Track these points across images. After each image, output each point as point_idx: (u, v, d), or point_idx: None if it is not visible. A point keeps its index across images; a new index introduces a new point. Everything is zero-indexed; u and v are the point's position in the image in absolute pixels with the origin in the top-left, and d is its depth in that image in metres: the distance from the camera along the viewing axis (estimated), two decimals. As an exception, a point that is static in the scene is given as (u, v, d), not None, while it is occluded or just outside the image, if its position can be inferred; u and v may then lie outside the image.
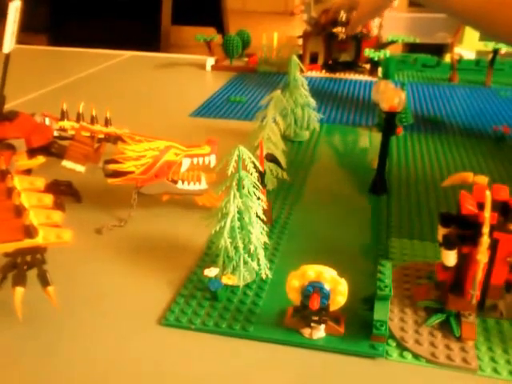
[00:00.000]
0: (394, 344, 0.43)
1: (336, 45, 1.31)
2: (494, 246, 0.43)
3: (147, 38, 3.10)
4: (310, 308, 0.42)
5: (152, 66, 1.39)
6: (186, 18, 3.74)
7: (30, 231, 0.41)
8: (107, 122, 0.70)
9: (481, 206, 0.42)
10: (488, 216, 0.40)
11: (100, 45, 1.58)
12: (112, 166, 0.60)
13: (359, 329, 0.44)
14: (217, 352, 0.43)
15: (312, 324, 0.43)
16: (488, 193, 0.41)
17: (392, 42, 1.30)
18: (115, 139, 0.66)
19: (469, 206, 0.42)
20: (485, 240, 0.41)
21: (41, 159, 0.60)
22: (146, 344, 0.44)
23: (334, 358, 0.43)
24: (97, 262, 0.55)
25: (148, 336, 0.45)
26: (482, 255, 0.41)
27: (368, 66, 1.31)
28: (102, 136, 0.67)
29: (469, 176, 0.45)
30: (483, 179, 0.45)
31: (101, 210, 0.64)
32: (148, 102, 1.09)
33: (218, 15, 3.96)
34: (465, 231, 0.43)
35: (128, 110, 1.02)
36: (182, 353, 0.43)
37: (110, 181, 0.60)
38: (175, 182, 0.62)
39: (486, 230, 0.41)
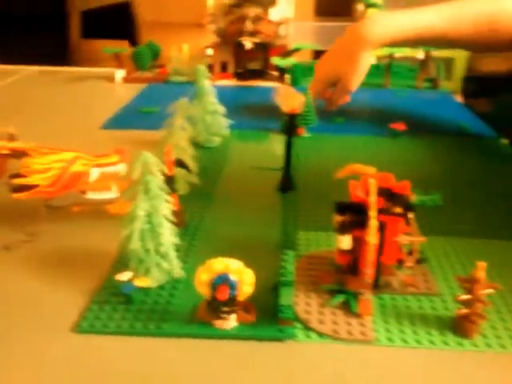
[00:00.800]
0: (300, 326, 0.47)
1: (244, 54, 1.35)
2: (382, 229, 0.48)
3: (56, 52, 3.01)
4: (219, 300, 0.44)
5: (61, 80, 1.36)
6: (98, 32, 3.67)
7: None
8: (12, 138, 0.69)
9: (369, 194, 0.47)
10: (374, 201, 0.45)
11: (5, 60, 1.52)
12: (17, 181, 0.59)
13: (268, 315, 0.47)
14: (132, 352, 0.44)
15: (223, 315, 0.45)
16: (372, 180, 0.45)
17: (297, 50, 1.37)
18: (21, 154, 0.65)
19: (357, 194, 0.47)
20: (373, 223, 0.45)
21: None
22: (61, 352, 0.44)
23: (246, 345, 0.45)
24: (7, 278, 0.54)
25: (62, 344, 0.45)
26: (372, 237, 0.45)
27: (276, 73, 1.36)
28: (6, 152, 0.66)
29: (358, 167, 0.50)
30: (371, 169, 0.49)
31: (9, 226, 0.63)
32: (58, 117, 1.07)
33: (130, 28, 3.93)
34: (356, 217, 0.47)
35: (36, 125, 1.00)
36: (98, 357, 0.44)
37: (16, 195, 0.59)
38: (85, 192, 0.62)
39: (373, 213, 0.45)
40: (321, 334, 0.46)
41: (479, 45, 0.90)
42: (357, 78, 0.95)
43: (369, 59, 0.94)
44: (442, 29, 0.87)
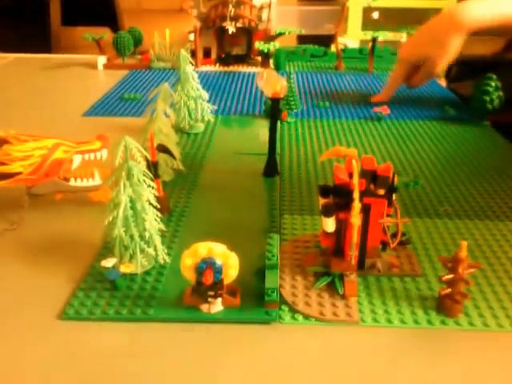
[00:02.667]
0: (286, 309, 0.47)
1: (227, 39, 1.34)
2: (366, 211, 0.48)
3: (37, 39, 2.95)
4: (204, 284, 0.44)
5: (42, 67, 1.34)
6: (79, 18, 3.61)
7: None
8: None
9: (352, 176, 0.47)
10: (356, 183, 0.45)
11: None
12: (-2, 169, 0.58)
13: (255, 299, 0.47)
14: (119, 338, 0.44)
15: (209, 299, 0.45)
16: (354, 162, 0.45)
17: (280, 35, 1.36)
18: (1, 142, 0.64)
19: (340, 176, 0.47)
20: (356, 205, 0.45)
21: None
22: (47, 340, 0.44)
23: (232, 328, 0.45)
24: (-11, 267, 0.53)
25: (48, 332, 0.45)
26: (355, 218, 0.46)
27: (260, 58, 1.35)
28: (-15, 140, 0.65)
29: (340, 149, 0.50)
30: (353, 151, 0.49)
31: (-10, 215, 0.62)
32: (38, 105, 1.05)
33: (111, 14, 3.87)
34: (340, 199, 0.47)
35: (17, 112, 0.99)
36: (85, 344, 0.44)
37: (-3, 184, 0.58)
38: (67, 179, 0.61)
39: (356, 195, 0.45)
40: (307, 316, 0.46)
41: None
42: (445, 62, 0.93)
43: (459, 44, 0.91)
44: None
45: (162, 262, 0.52)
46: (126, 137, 0.47)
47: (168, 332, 0.45)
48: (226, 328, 0.45)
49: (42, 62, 1.40)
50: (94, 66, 1.31)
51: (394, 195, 0.49)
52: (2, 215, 0.62)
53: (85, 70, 1.31)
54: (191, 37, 1.33)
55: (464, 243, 0.45)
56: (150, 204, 0.50)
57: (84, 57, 1.42)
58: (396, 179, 0.49)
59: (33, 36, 2.97)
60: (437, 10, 2.15)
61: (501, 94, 0.92)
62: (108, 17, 3.83)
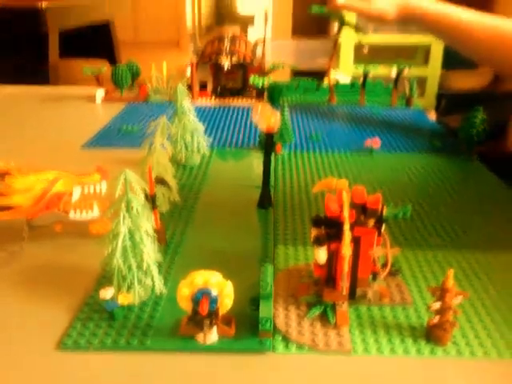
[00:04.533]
0: (279, 338, 0.48)
1: (223, 73, 1.38)
2: (357, 241, 0.50)
3: (36, 71, 3.00)
4: (200, 313, 0.45)
5: (41, 99, 1.37)
6: (77, 51, 3.68)
7: None
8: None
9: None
10: (346, 214, 0.47)
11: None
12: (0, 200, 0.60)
13: (249, 328, 0.48)
14: (116, 368, 0.45)
15: (204, 329, 0.46)
16: (345, 194, 0.47)
17: (274, 69, 1.40)
18: (2, 174, 0.66)
19: (331, 207, 0.49)
20: (346, 235, 0.47)
21: None
22: (46, 370, 0.45)
23: (228, 358, 0.46)
24: (-11, 297, 0.54)
25: (47, 362, 0.46)
26: (346, 249, 0.47)
27: (254, 92, 1.39)
28: (-13, 172, 0.66)
29: (332, 181, 0.52)
30: (344, 183, 0.51)
31: (-10, 246, 0.63)
32: (38, 136, 1.08)
33: (109, 47, 3.95)
34: (331, 230, 0.49)
35: (17, 144, 1.01)
36: (82, 374, 0.45)
37: (-2, 215, 0.60)
38: (67, 211, 0.63)
39: (346, 226, 0.47)
40: (300, 346, 0.47)
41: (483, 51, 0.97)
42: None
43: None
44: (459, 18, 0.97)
45: (158, 292, 0.53)
46: (127, 170, 0.49)
47: (164, 362, 0.46)
48: (221, 357, 0.47)
49: (41, 93, 1.43)
50: (92, 98, 1.34)
51: (383, 226, 0.51)
52: (2, 246, 0.63)
53: (83, 103, 1.33)
54: (188, 71, 1.37)
55: (451, 272, 0.47)
56: (148, 235, 0.51)
57: (82, 89, 1.45)
58: (385, 210, 0.51)
59: (31, 68, 3.02)
60: (425, 46, 2.23)
61: (486, 126, 0.95)
62: (105, 49, 3.90)
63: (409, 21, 1.08)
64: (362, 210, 0.50)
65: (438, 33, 1.06)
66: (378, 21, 1.09)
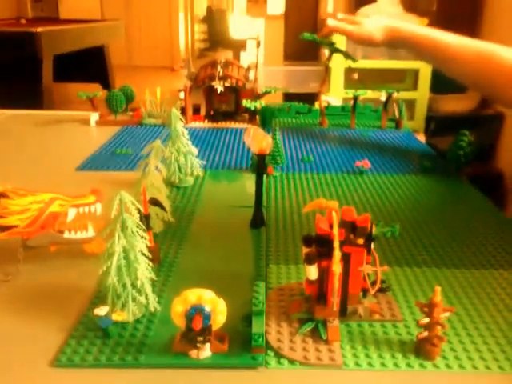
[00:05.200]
0: (272, 354, 0.49)
1: (216, 97, 1.40)
2: (347, 259, 0.51)
3: (30, 96, 3.03)
4: (194, 330, 0.46)
5: (35, 123, 1.38)
6: (71, 75, 3.73)
7: None
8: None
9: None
10: (336, 233, 0.48)
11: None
12: (-5, 222, 0.60)
13: (241, 344, 0.49)
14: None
15: (198, 345, 0.47)
16: (334, 213, 0.49)
17: (266, 93, 1.43)
18: (-2, 196, 0.67)
19: (321, 226, 0.50)
20: (336, 253, 0.48)
21: None
22: (40, 387, 0.45)
23: (221, 374, 0.47)
24: (-16, 317, 0.55)
25: (41, 379, 0.46)
26: (336, 266, 0.49)
27: (247, 115, 1.41)
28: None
29: (322, 202, 0.53)
30: (334, 203, 0.53)
31: (-14, 267, 0.64)
32: (32, 160, 1.09)
33: (103, 71, 4.00)
34: (322, 248, 0.51)
35: (12, 167, 1.02)
36: (77, 390, 0.45)
37: (-6, 236, 0.61)
38: (62, 232, 0.64)
39: (336, 244, 0.48)
40: (292, 361, 0.48)
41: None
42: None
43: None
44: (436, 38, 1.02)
45: (152, 310, 0.54)
46: (122, 191, 0.51)
47: (158, 378, 0.47)
48: (214, 373, 0.47)
49: (35, 118, 1.45)
50: (86, 122, 1.35)
51: (372, 244, 0.52)
52: (-2, 267, 0.64)
53: (78, 126, 1.35)
54: (181, 95, 1.39)
55: (438, 288, 0.48)
56: (143, 254, 0.52)
57: (77, 113, 1.47)
58: (374, 229, 0.52)
59: (25, 91, 3.04)
60: (414, 71, 2.27)
61: (473, 148, 0.98)
62: (99, 72, 3.95)
63: (397, 43, 1.11)
64: (351, 229, 0.52)
65: (426, 56, 1.09)
66: (367, 43, 1.13)
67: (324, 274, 0.51)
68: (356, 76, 1.95)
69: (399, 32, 1.08)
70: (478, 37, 1.03)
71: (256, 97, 1.42)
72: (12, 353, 0.49)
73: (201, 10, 6.91)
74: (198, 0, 6.93)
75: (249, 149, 0.79)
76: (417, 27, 1.07)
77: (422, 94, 2.25)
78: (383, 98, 1.34)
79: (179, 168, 0.91)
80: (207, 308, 0.46)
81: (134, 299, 0.52)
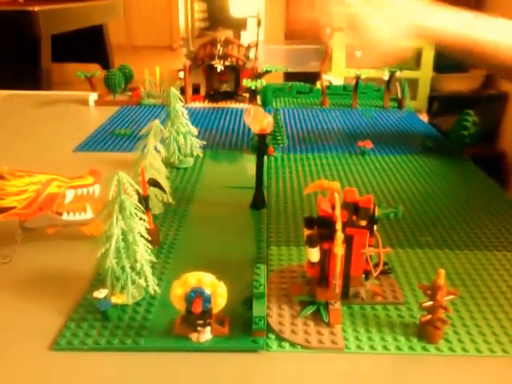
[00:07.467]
0: (273, 337, 0.48)
1: (216, 76, 1.38)
2: (349, 241, 0.50)
3: (28, 76, 2.99)
4: (194, 313, 0.45)
5: (33, 104, 1.36)
6: (70, 55, 3.68)
7: None
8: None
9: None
10: (338, 214, 0.47)
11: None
12: (-8, 203, 0.60)
13: (242, 327, 0.49)
14: (110, 368, 0.45)
15: (198, 328, 0.47)
16: (336, 194, 0.48)
17: (267, 72, 1.40)
18: (-5, 177, 0.66)
19: (323, 208, 0.49)
20: (338, 235, 0.47)
21: None
22: (39, 370, 0.45)
23: (221, 357, 0.47)
24: (-18, 300, 0.54)
25: (40, 362, 0.46)
26: (338, 248, 0.48)
27: (247, 95, 1.39)
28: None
29: (324, 183, 0.52)
30: (336, 184, 0.52)
31: (-17, 249, 0.63)
32: (30, 140, 1.07)
33: (101, 51, 3.95)
34: (323, 230, 0.50)
35: (10, 148, 1.00)
36: (76, 374, 0.45)
37: (-9, 218, 0.60)
38: (60, 213, 0.63)
39: (338, 226, 0.47)
40: (293, 344, 0.48)
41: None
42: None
43: None
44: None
45: (152, 292, 0.53)
46: (119, 172, 0.50)
47: (158, 361, 0.46)
48: (215, 356, 0.47)
49: (34, 98, 1.43)
50: (85, 102, 1.34)
51: (375, 226, 0.51)
52: (-4, 249, 0.63)
53: (76, 107, 1.33)
54: (181, 74, 1.37)
55: (442, 271, 0.47)
56: (142, 236, 0.51)
57: (75, 93, 1.45)
58: (377, 210, 0.51)
59: (23, 72, 3.01)
60: (416, 49, 2.24)
61: (478, 128, 0.96)
62: (98, 52, 3.90)
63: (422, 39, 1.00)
64: (354, 211, 0.51)
65: (468, 59, 0.99)
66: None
67: (326, 256, 0.50)
68: (359, 55, 1.92)
69: (431, 35, 0.94)
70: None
71: (256, 76, 1.39)
72: (11, 336, 0.49)
73: (200, -12, 6.80)
74: (198, -22, 6.81)
75: (249, 129, 0.78)
76: (447, 23, 0.91)
77: (425, 73, 2.22)
78: (386, 76, 1.32)
79: (179, 148, 0.89)
80: (207, 291, 0.45)
81: (133, 282, 0.52)
